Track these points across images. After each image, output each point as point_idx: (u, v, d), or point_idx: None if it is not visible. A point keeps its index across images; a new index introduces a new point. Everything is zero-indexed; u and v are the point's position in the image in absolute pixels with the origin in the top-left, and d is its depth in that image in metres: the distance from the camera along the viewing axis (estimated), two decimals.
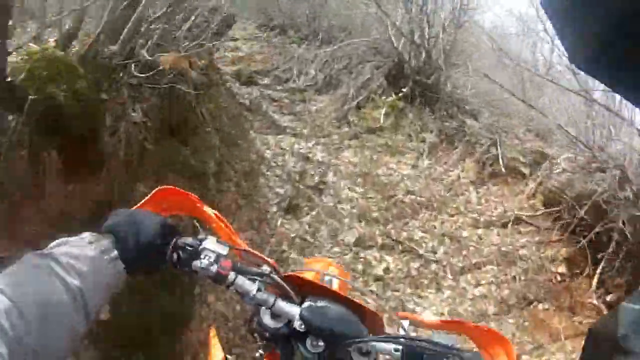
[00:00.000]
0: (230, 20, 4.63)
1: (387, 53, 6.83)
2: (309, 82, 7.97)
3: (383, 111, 5.85)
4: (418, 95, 5.91)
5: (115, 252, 0.70)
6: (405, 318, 0.89)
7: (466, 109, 6.21)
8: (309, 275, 0.95)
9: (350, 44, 7.25)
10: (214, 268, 0.77)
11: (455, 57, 6.56)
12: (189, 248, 0.79)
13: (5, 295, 0.52)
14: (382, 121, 5.73)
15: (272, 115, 6.47)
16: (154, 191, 0.88)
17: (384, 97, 6.27)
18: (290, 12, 9.67)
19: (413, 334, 0.82)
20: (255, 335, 0.83)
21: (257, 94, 7.57)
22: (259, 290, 0.79)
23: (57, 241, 0.67)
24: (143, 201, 0.86)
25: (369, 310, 0.83)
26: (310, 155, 5.18)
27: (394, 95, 6.09)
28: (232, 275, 0.78)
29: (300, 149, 5.26)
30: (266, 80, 8.86)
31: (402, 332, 0.83)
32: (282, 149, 5.24)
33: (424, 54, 5.89)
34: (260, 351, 0.84)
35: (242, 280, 0.79)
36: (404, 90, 5.99)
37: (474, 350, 0.80)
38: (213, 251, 0.79)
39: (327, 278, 0.97)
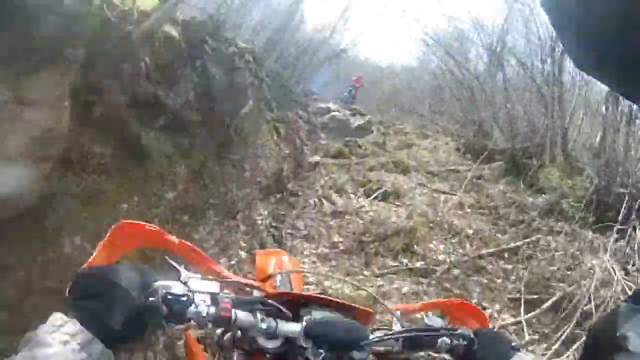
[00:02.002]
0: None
1: None
2: None
3: None
4: None
5: (86, 333, 0.56)
6: (398, 309, 0.93)
7: None
8: (265, 267, 1.09)
9: None
10: (213, 311, 0.69)
11: None
12: (180, 297, 0.66)
13: None
14: None
15: None
16: (110, 231, 0.77)
17: None
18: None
19: (407, 323, 0.86)
20: (234, 349, 0.81)
21: None
22: (262, 320, 0.73)
23: (24, 338, 0.56)
24: (101, 246, 0.74)
25: (360, 309, 0.84)
26: None
27: None
28: (233, 313, 0.71)
29: None
30: None
31: (397, 324, 0.86)
32: None
33: None
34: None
35: (244, 316, 0.72)
36: None
37: (462, 325, 0.83)
38: (205, 292, 0.70)
39: (284, 274, 1.05)
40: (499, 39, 8.42)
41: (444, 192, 5.76)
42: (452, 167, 6.96)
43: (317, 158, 6.42)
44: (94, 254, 0.72)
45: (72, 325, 0.56)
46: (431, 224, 4.43)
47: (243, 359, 0.81)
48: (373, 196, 5.42)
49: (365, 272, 3.50)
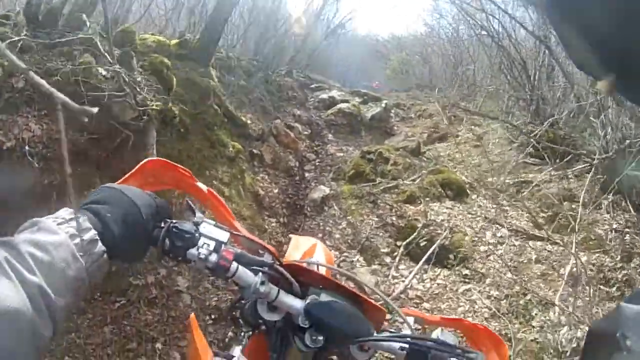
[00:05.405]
0: None
1: None
2: None
3: None
4: None
5: (93, 232, 0.57)
6: (410, 315, 0.84)
7: None
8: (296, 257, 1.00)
9: None
10: (214, 258, 0.68)
11: None
12: (184, 234, 0.68)
13: None
14: None
15: None
16: (141, 163, 0.79)
17: None
18: None
19: (418, 332, 0.80)
20: (240, 321, 0.79)
21: None
22: (262, 283, 0.70)
23: (27, 222, 0.55)
24: (129, 174, 0.77)
25: (371, 303, 0.78)
26: None
27: None
28: (233, 266, 0.69)
29: None
30: None
31: (407, 330, 0.78)
32: None
33: None
34: (245, 336, 0.82)
35: (243, 272, 0.70)
36: None
37: (478, 351, 0.74)
38: (212, 238, 0.69)
39: (312, 261, 0.94)
40: None
41: (535, 237, 3.56)
42: (522, 177, 4.73)
43: (324, 190, 4.27)
44: (122, 179, 0.73)
45: (81, 222, 0.55)
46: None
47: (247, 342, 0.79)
48: (424, 259, 3.26)
49: None
